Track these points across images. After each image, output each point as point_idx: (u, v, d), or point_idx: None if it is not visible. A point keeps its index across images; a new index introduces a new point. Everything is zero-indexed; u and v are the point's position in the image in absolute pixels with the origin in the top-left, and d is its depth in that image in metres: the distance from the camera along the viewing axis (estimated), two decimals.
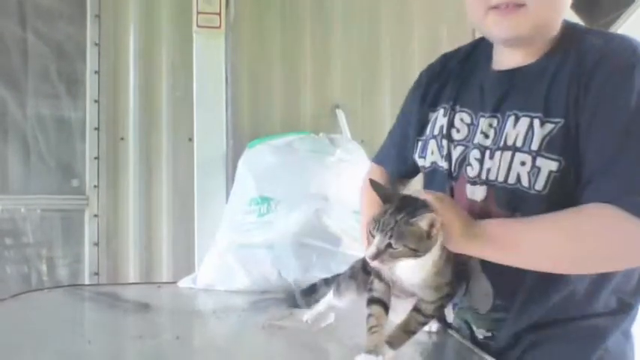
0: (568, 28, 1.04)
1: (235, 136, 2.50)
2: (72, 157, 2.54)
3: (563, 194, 0.95)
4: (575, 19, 2.21)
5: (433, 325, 1.12)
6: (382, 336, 0.93)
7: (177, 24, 2.52)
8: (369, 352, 0.90)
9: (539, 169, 0.97)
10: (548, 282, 0.99)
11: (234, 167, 2.20)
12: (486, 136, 1.05)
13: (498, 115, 1.05)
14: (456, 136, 1.11)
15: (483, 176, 1.04)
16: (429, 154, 1.16)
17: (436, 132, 1.15)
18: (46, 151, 2.53)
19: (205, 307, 1.66)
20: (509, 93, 1.05)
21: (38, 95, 2.54)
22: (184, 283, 1.83)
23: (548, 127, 0.97)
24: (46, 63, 2.53)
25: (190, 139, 2.48)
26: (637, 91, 0.91)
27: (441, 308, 0.97)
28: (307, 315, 1.18)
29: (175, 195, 2.50)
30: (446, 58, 1.22)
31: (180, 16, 2.51)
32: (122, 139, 2.50)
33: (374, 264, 0.88)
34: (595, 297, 1.02)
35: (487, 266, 1.03)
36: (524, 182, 0.98)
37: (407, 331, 0.94)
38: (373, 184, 0.92)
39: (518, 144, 0.99)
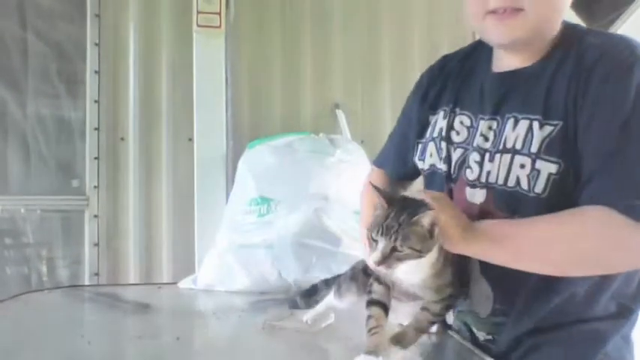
0: (567, 28, 1.04)
1: (235, 136, 2.50)
2: (72, 157, 2.54)
3: (562, 197, 0.95)
4: (575, 19, 2.21)
5: (433, 326, 1.11)
6: (382, 337, 0.93)
7: (177, 24, 2.52)
8: (369, 352, 0.90)
9: (538, 171, 0.96)
10: (548, 286, 0.99)
11: (234, 167, 2.20)
12: (486, 139, 1.05)
13: (498, 118, 1.05)
14: (455, 138, 1.11)
15: (483, 179, 1.04)
16: (428, 157, 1.16)
17: (435, 134, 1.15)
18: (46, 151, 2.53)
19: (205, 308, 1.66)
20: (509, 95, 1.04)
21: (38, 95, 2.54)
22: (184, 283, 1.83)
23: (548, 129, 0.97)
24: (46, 63, 2.53)
25: (190, 139, 2.48)
26: (635, 90, 0.91)
27: (448, 307, 0.97)
28: (307, 315, 1.18)
29: (175, 195, 2.50)
30: (446, 60, 1.22)
31: (180, 16, 2.50)
32: (122, 139, 2.50)
33: (379, 269, 0.87)
34: (595, 301, 1.01)
35: (487, 271, 1.03)
36: (524, 185, 0.98)
37: (417, 328, 0.94)
38: (374, 188, 0.92)
39: (518, 146, 0.99)
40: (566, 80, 0.97)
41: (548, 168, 0.96)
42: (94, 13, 2.49)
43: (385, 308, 0.95)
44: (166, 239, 2.50)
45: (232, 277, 1.76)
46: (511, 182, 1.00)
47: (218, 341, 1.28)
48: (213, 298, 1.70)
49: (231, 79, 2.51)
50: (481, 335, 1.09)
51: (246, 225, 1.89)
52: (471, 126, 1.09)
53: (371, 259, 0.87)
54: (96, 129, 2.48)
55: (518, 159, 0.99)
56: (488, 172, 1.03)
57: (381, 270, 0.88)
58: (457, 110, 1.13)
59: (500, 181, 1.01)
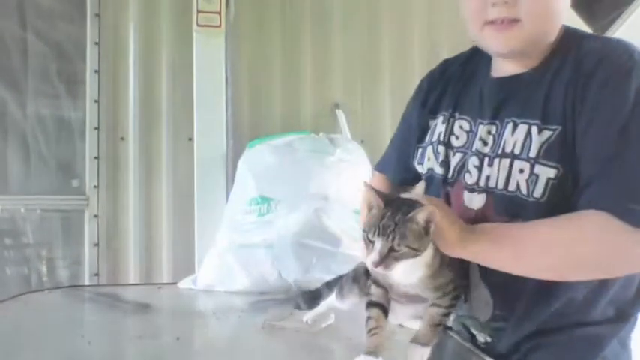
0: (567, 34, 1.04)
1: (235, 136, 2.50)
2: (72, 157, 2.54)
3: (561, 201, 0.95)
4: (575, 18, 2.21)
5: (448, 319, 1.11)
6: (382, 337, 0.93)
7: (177, 24, 2.52)
8: (369, 353, 0.90)
9: (537, 176, 0.97)
10: (547, 291, 0.99)
11: (234, 167, 2.20)
12: (485, 144, 1.06)
13: (497, 122, 1.05)
14: (455, 143, 1.11)
15: (482, 183, 1.04)
16: (426, 161, 1.16)
17: (435, 139, 1.15)
18: (46, 151, 2.53)
19: (205, 308, 1.66)
20: (508, 100, 1.05)
21: (38, 95, 2.54)
22: (184, 283, 1.83)
23: (546, 134, 0.97)
24: (46, 63, 2.53)
25: (190, 139, 2.48)
26: (633, 95, 0.91)
27: (456, 298, 0.96)
28: (307, 315, 1.18)
29: (175, 195, 2.50)
30: (446, 65, 1.22)
31: (180, 16, 2.50)
32: (122, 139, 2.50)
33: (378, 270, 0.87)
34: (593, 305, 1.02)
35: (487, 276, 1.03)
36: (523, 190, 0.98)
37: (432, 325, 0.93)
38: (370, 188, 0.91)
39: (517, 151, 1.00)
40: (564, 85, 0.97)
41: (546, 173, 0.96)
42: (94, 13, 2.49)
43: (384, 309, 0.95)
44: (166, 239, 2.50)
45: (232, 277, 1.76)
46: (511, 187, 1.00)
47: (218, 341, 1.28)
48: (213, 298, 1.70)
49: (231, 78, 2.51)
50: (481, 337, 1.09)
51: (246, 225, 1.89)
52: (470, 131, 1.10)
53: (369, 261, 0.86)
54: (96, 129, 2.48)
55: (518, 164, 0.99)
56: (488, 177, 1.03)
57: (379, 271, 0.87)
58: (456, 115, 1.13)
59: (500, 186, 1.01)
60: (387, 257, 0.85)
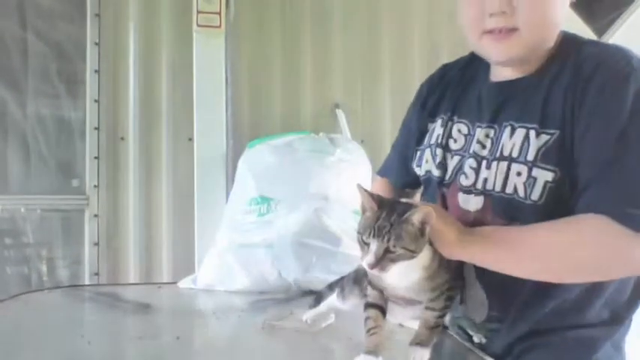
0: (565, 39, 1.05)
1: (235, 136, 2.50)
2: (72, 157, 2.54)
3: (558, 204, 0.95)
4: (575, 18, 2.21)
5: (444, 319, 1.11)
6: (381, 337, 0.93)
7: (177, 24, 2.52)
8: (369, 352, 0.90)
9: (534, 179, 0.97)
10: (542, 293, 1.00)
11: (234, 167, 2.20)
12: (483, 146, 1.06)
13: (495, 126, 1.06)
14: (453, 146, 1.12)
15: (480, 186, 1.05)
16: (424, 163, 1.17)
17: (433, 141, 1.16)
18: (46, 151, 2.53)
19: (205, 308, 1.66)
20: (506, 104, 1.05)
21: (38, 95, 2.54)
22: (184, 283, 1.83)
23: (544, 138, 0.98)
24: (46, 63, 2.53)
25: (190, 139, 2.48)
26: (631, 100, 0.92)
27: (450, 299, 0.96)
28: (307, 315, 1.18)
29: (175, 195, 2.50)
30: (446, 69, 1.23)
31: (180, 16, 2.51)
32: (122, 139, 2.50)
33: (374, 272, 0.87)
34: (587, 308, 1.02)
35: (482, 277, 1.03)
36: (521, 192, 0.99)
37: (429, 327, 0.93)
38: (363, 190, 0.91)
39: (514, 154, 1.00)
40: (563, 90, 0.98)
41: (544, 176, 0.96)
42: (94, 13, 2.49)
43: (382, 310, 0.95)
44: (166, 239, 2.50)
45: (232, 277, 1.76)
46: (509, 189, 1.00)
47: (218, 341, 1.28)
48: (213, 298, 1.70)
49: (231, 78, 2.51)
50: (477, 337, 1.10)
51: (246, 224, 1.89)
52: (468, 134, 1.10)
53: (364, 263, 0.86)
54: (96, 129, 2.48)
55: (515, 167, 0.99)
56: (485, 179, 1.04)
57: (375, 273, 0.87)
58: (455, 118, 1.14)
59: (498, 188, 1.02)
60: (383, 259, 0.85)
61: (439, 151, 1.13)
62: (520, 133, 1.00)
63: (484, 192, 1.04)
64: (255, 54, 2.60)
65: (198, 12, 2.40)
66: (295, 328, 1.18)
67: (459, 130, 1.12)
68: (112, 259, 2.48)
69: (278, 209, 1.87)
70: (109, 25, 2.50)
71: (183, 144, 2.51)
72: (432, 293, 0.93)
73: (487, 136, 1.06)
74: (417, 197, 1.10)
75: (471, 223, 1.03)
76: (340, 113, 2.60)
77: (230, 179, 2.30)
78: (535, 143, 0.98)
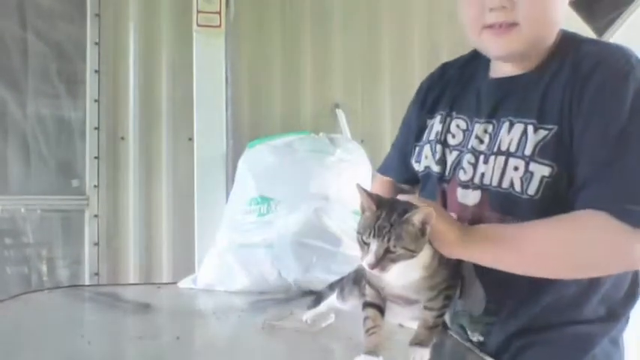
0: (565, 37, 1.06)
1: (235, 136, 2.50)
2: (72, 157, 2.54)
3: (555, 199, 0.96)
4: (575, 18, 2.21)
5: (443, 318, 1.11)
6: (380, 337, 0.93)
7: (177, 24, 2.52)
8: (369, 352, 0.90)
9: (531, 174, 0.98)
10: (538, 286, 1.00)
11: (234, 167, 2.20)
12: (481, 141, 1.07)
13: (493, 121, 1.06)
14: (451, 141, 1.13)
15: (477, 180, 1.05)
16: (424, 159, 1.17)
17: (432, 137, 1.16)
18: (46, 151, 2.53)
19: (205, 308, 1.66)
20: (505, 100, 1.06)
21: (38, 95, 2.54)
22: (184, 283, 1.83)
23: (542, 133, 0.98)
24: (46, 63, 2.53)
25: (190, 139, 2.48)
26: (630, 98, 0.93)
27: (449, 298, 0.96)
28: (307, 315, 1.18)
29: (175, 195, 2.50)
30: (445, 68, 1.24)
31: (180, 16, 2.51)
32: (122, 138, 2.50)
33: (374, 272, 0.87)
34: (584, 304, 1.02)
35: (479, 269, 1.03)
36: (517, 187, 0.99)
37: (428, 327, 0.93)
38: (362, 190, 0.91)
39: (512, 149, 1.01)
40: (561, 87, 0.98)
41: (541, 171, 0.97)
42: (94, 13, 2.49)
43: (380, 309, 0.95)
44: (166, 239, 2.50)
45: (232, 277, 1.76)
46: (505, 184, 1.01)
47: (218, 341, 1.28)
48: (213, 298, 1.70)
49: (231, 78, 2.51)
50: (474, 337, 1.10)
51: (246, 224, 1.89)
52: (467, 129, 1.11)
53: (364, 263, 0.86)
54: (96, 129, 2.48)
55: (512, 161, 1.00)
56: (483, 174, 1.04)
57: (375, 273, 0.87)
58: (454, 114, 1.14)
59: (495, 183, 1.02)
60: (383, 259, 0.85)
61: (438, 147, 1.13)
62: (518, 128, 1.01)
63: (481, 186, 1.04)
64: (255, 54, 2.60)
65: (198, 12, 2.40)
66: (295, 328, 1.18)
67: (458, 126, 1.13)
68: (112, 259, 2.48)
69: (278, 209, 1.87)
70: (109, 25, 2.50)
71: (183, 144, 2.51)
72: (431, 292, 0.93)
73: (485, 131, 1.07)
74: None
75: (470, 217, 1.04)
76: (340, 113, 2.60)
77: (230, 179, 2.30)
78: (533, 138, 0.99)
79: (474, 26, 1.03)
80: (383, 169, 1.36)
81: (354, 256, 0.94)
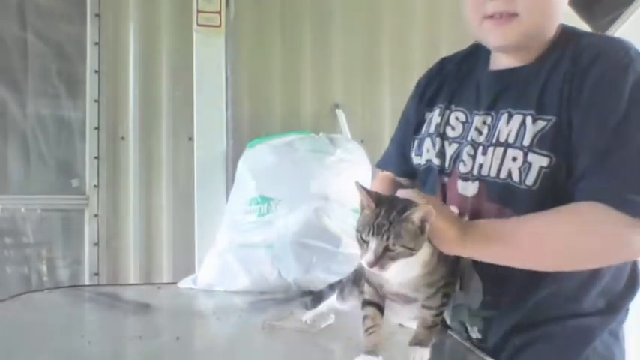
0: (565, 30, 1.07)
1: (235, 136, 2.50)
2: (72, 157, 2.54)
3: (553, 190, 0.97)
4: (575, 18, 2.21)
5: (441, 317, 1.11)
6: (380, 336, 0.93)
7: (177, 24, 2.52)
8: (369, 352, 0.90)
9: (530, 164, 0.98)
10: (536, 278, 1.00)
11: (234, 167, 2.20)
12: (480, 133, 1.07)
13: (492, 113, 1.07)
14: (450, 134, 1.13)
15: (475, 172, 1.06)
16: (425, 152, 1.17)
17: (431, 130, 1.17)
18: (46, 151, 2.53)
19: (205, 308, 1.66)
20: (504, 91, 1.07)
21: (38, 95, 2.54)
22: (184, 283, 1.83)
23: (540, 124, 0.99)
24: (46, 63, 2.53)
25: (190, 139, 2.48)
26: (629, 90, 0.93)
27: (447, 296, 0.96)
28: (306, 315, 1.18)
29: (175, 195, 2.50)
30: (444, 62, 1.25)
31: (180, 16, 2.50)
32: (122, 139, 2.50)
33: (374, 270, 0.87)
34: (583, 296, 1.03)
35: (477, 262, 1.03)
36: (515, 177, 1.00)
37: (427, 327, 0.93)
38: (361, 188, 0.91)
39: (510, 140, 1.01)
40: (561, 78, 0.99)
41: (539, 161, 0.98)
42: (94, 13, 2.49)
43: (380, 307, 0.95)
44: (166, 239, 2.50)
45: (232, 277, 1.76)
46: (503, 175, 1.01)
47: (218, 341, 1.28)
48: (213, 298, 1.70)
49: (231, 78, 2.51)
50: (474, 333, 1.10)
51: (246, 224, 1.89)
52: (466, 121, 1.11)
53: (364, 261, 0.86)
54: (96, 129, 2.48)
55: (511, 152, 1.01)
56: (481, 165, 1.05)
57: (374, 271, 0.87)
58: (452, 107, 1.15)
59: (493, 174, 1.03)
60: (383, 257, 0.85)
61: (438, 140, 1.14)
62: (517, 119, 1.02)
63: (479, 178, 1.05)
64: (255, 54, 2.60)
65: (198, 12, 2.40)
66: (295, 328, 1.18)
67: (457, 118, 1.13)
68: (112, 259, 2.48)
69: (278, 209, 1.87)
70: (109, 25, 2.50)
71: (183, 144, 2.51)
72: (429, 289, 0.93)
73: (484, 123, 1.07)
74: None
75: (469, 209, 1.04)
76: (340, 113, 2.60)
77: (230, 179, 2.30)
78: (531, 129, 0.99)
79: (474, 16, 1.04)
80: (382, 164, 1.36)
81: (354, 255, 0.94)
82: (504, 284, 1.03)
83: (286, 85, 2.62)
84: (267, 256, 1.77)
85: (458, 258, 1.00)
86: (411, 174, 1.26)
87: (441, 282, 0.94)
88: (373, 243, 0.85)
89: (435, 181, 1.14)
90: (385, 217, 0.85)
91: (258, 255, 1.78)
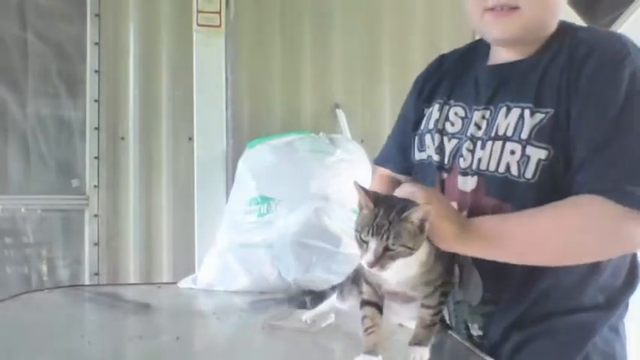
0: (563, 25, 1.07)
1: (235, 136, 2.50)
2: (72, 157, 2.54)
3: (551, 182, 0.97)
4: (574, 18, 2.21)
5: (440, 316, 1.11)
6: (379, 336, 0.93)
7: (177, 24, 2.52)
8: (368, 352, 0.90)
9: (528, 157, 0.99)
10: (535, 273, 1.01)
11: (234, 167, 2.20)
12: (479, 128, 1.08)
13: (491, 107, 1.07)
14: (450, 129, 1.13)
15: (474, 166, 1.06)
16: (427, 148, 1.18)
17: (431, 126, 1.17)
18: (46, 151, 2.53)
19: (205, 308, 1.66)
20: (503, 85, 1.07)
21: (38, 95, 2.54)
22: (184, 283, 1.83)
23: (538, 116, 0.99)
24: (46, 63, 2.53)
25: (190, 139, 2.48)
26: (626, 81, 0.94)
27: (445, 295, 0.96)
28: (306, 315, 1.18)
29: (175, 195, 2.50)
30: (443, 59, 1.25)
31: (180, 16, 2.50)
32: (122, 138, 2.50)
33: (373, 270, 0.86)
34: (582, 291, 1.03)
35: (475, 258, 1.04)
36: (514, 171, 1.00)
37: (426, 326, 0.93)
38: (359, 187, 0.91)
39: (509, 133, 1.02)
40: (558, 71, 1.00)
41: (538, 154, 0.98)
42: (94, 13, 2.49)
43: (378, 307, 0.95)
44: (166, 239, 2.50)
45: (232, 277, 1.76)
46: (502, 168, 1.02)
47: (218, 341, 1.28)
48: (213, 298, 1.70)
49: (231, 78, 2.51)
50: (474, 330, 1.10)
51: (246, 224, 1.89)
52: (465, 117, 1.12)
53: (364, 261, 0.86)
54: (96, 129, 2.48)
55: (509, 145, 1.01)
56: (480, 159, 1.05)
57: (374, 271, 0.87)
58: (451, 102, 1.15)
59: (492, 168, 1.03)
60: (383, 257, 0.84)
61: (437, 136, 1.14)
62: (515, 112, 1.02)
63: (478, 172, 1.05)
64: (255, 54, 2.60)
65: (198, 12, 2.40)
66: (295, 328, 1.18)
67: (456, 114, 1.13)
68: (112, 259, 2.47)
69: (278, 209, 1.87)
70: (109, 25, 2.50)
71: (183, 144, 2.51)
72: (427, 288, 0.93)
73: (483, 117, 1.08)
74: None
75: (468, 204, 1.05)
76: (340, 113, 2.60)
77: (230, 179, 2.30)
78: (529, 122, 0.99)
79: (475, 9, 1.05)
80: (380, 160, 1.36)
81: (354, 255, 0.94)
82: (504, 280, 1.03)
83: (286, 85, 2.62)
84: (267, 256, 1.77)
85: (454, 257, 1.00)
86: (410, 170, 1.26)
87: (438, 281, 0.94)
88: (373, 243, 0.85)
89: (433, 176, 1.14)
90: (384, 217, 0.85)
91: (258, 255, 1.78)
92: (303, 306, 1.30)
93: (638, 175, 0.90)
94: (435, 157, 1.14)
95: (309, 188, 1.89)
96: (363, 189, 0.90)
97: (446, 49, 1.28)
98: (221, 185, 2.41)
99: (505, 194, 1.01)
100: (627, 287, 1.07)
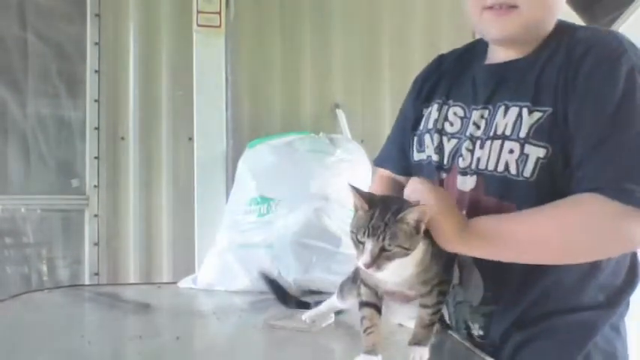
0: (560, 25, 1.08)
1: (235, 136, 2.50)
2: (72, 157, 2.54)
3: (550, 181, 0.98)
4: (574, 18, 2.21)
5: (439, 315, 1.11)
6: (378, 336, 0.93)
7: (177, 24, 2.52)
8: (368, 352, 0.90)
9: (527, 156, 0.99)
10: (535, 272, 1.01)
11: (234, 167, 2.20)
12: (477, 127, 1.08)
13: (490, 107, 1.07)
14: (449, 129, 1.13)
15: (473, 166, 1.06)
16: (427, 148, 1.18)
17: (430, 126, 1.17)
18: (46, 151, 2.53)
19: (205, 308, 1.66)
20: (501, 85, 1.08)
21: (38, 95, 2.54)
22: (184, 283, 1.83)
23: (537, 115, 0.99)
24: (46, 63, 2.53)
25: (190, 139, 2.48)
26: (623, 79, 0.94)
27: (442, 294, 0.96)
28: (306, 315, 1.18)
29: (175, 195, 2.50)
30: (441, 59, 1.25)
31: (180, 16, 2.51)
32: (122, 138, 2.50)
33: (370, 272, 0.87)
34: (583, 291, 1.03)
35: (476, 259, 1.04)
36: (512, 170, 1.00)
37: (425, 326, 0.93)
38: (353, 188, 0.91)
39: (507, 132, 1.02)
40: (556, 69, 1.00)
41: (536, 152, 0.98)
42: (94, 13, 2.49)
43: (377, 308, 0.95)
44: (166, 239, 2.50)
45: (232, 277, 1.76)
46: (500, 167, 1.02)
47: (218, 341, 1.28)
48: (213, 298, 1.70)
49: (231, 78, 2.51)
50: (475, 330, 1.10)
51: (246, 224, 1.89)
52: (464, 116, 1.12)
53: (360, 262, 0.86)
54: (96, 129, 2.48)
55: (508, 144, 1.01)
56: (479, 159, 1.05)
57: (370, 272, 0.87)
58: (450, 102, 1.15)
59: (491, 167, 1.03)
60: (379, 258, 0.84)
61: (436, 136, 1.14)
62: (513, 111, 1.02)
63: (477, 171, 1.05)
64: (255, 54, 2.60)
65: (198, 12, 2.40)
66: (295, 328, 1.18)
67: (455, 114, 1.14)
68: (112, 259, 2.48)
69: (278, 209, 1.87)
70: (109, 25, 2.50)
71: (183, 144, 2.51)
72: (424, 287, 0.93)
73: (482, 117, 1.08)
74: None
75: (467, 203, 1.05)
76: (340, 113, 2.60)
77: (230, 179, 2.30)
78: (527, 120, 1.00)
79: (475, 8, 1.05)
80: (379, 161, 1.36)
81: (354, 255, 0.94)
82: (504, 280, 1.03)
83: (286, 85, 2.62)
84: (267, 256, 1.77)
85: (451, 256, 1.00)
86: (409, 171, 1.26)
87: (435, 280, 0.94)
88: (369, 244, 0.85)
89: (432, 177, 1.14)
90: (380, 218, 0.85)
91: (258, 255, 1.78)
92: (303, 306, 1.30)
93: (635, 173, 0.90)
94: (435, 157, 1.14)
95: (309, 188, 1.89)
96: (358, 191, 0.90)
97: (446, 49, 1.28)
98: (221, 185, 2.41)
99: (504, 193, 1.01)
100: (628, 286, 1.07)
